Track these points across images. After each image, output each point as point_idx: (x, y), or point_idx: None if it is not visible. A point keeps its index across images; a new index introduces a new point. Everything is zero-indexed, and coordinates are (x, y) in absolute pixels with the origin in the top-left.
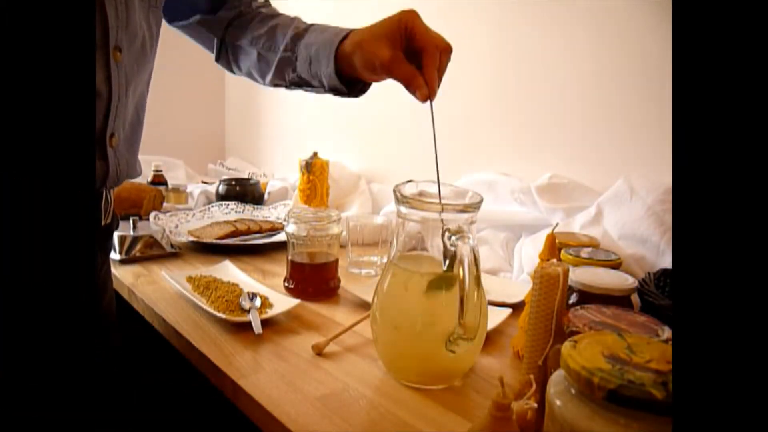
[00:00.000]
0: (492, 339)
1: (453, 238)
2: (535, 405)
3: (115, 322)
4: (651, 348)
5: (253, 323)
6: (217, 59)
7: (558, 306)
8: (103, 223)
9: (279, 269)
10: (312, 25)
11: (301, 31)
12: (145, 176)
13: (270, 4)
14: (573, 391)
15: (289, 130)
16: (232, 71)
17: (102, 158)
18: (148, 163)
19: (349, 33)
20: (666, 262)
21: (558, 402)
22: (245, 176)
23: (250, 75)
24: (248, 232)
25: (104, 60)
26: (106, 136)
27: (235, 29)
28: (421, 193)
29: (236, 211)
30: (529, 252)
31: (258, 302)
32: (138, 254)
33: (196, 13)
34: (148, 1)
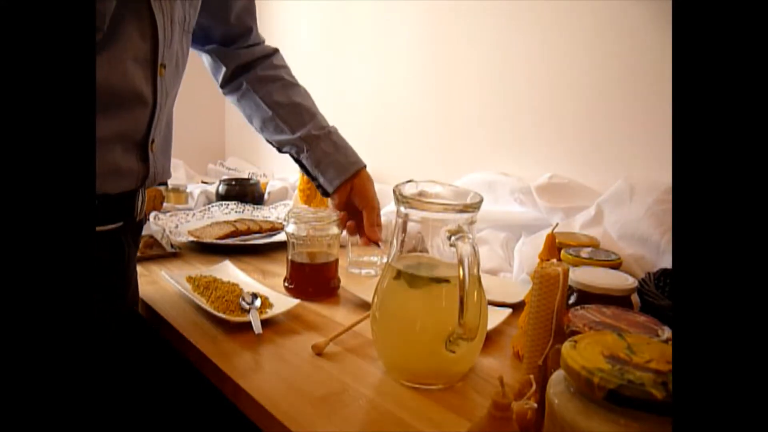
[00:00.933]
0: (492, 339)
1: (453, 238)
2: (535, 405)
3: (136, 314)
4: (651, 348)
5: (253, 323)
6: (222, 87)
7: (558, 306)
8: (138, 219)
9: (279, 269)
10: (329, 131)
11: (322, 133)
12: None
13: (282, 59)
14: (573, 391)
15: None
16: (227, 95)
17: (143, 161)
18: None
19: (359, 170)
20: (666, 262)
21: (558, 402)
22: (245, 176)
23: (249, 119)
24: (248, 232)
25: (152, 74)
26: (148, 142)
27: (258, 81)
28: (421, 193)
29: (236, 211)
30: (529, 252)
31: (258, 302)
32: (138, 254)
33: (212, 43)
34: (183, 25)
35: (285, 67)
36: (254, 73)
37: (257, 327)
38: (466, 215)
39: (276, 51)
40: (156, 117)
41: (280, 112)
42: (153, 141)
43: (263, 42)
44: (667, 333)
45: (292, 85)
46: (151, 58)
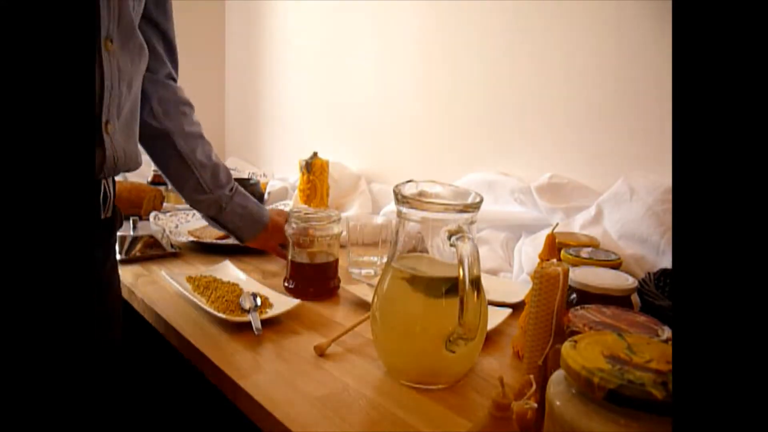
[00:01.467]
0: (492, 339)
1: (453, 238)
2: (535, 405)
3: (119, 318)
4: (651, 348)
5: (252, 323)
6: (144, 122)
7: (558, 306)
8: (102, 216)
9: (279, 269)
10: (236, 188)
11: (232, 193)
12: (145, 176)
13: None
14: (573, 391)
15: (289, 130)
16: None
17: (98, 145)
18: (148, 164)
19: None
20: (666, 262)
21: (558, 402)
22: (245, 176)
23: (164, 168)
24: None
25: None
26: (101, 123)
27: (185, 136)
28: (421, 193)
29: None
30: (529, 252)
31: (258, 302)
32: (138, 254)
33: None
34: (132, 7)
35: (199, 123)
36: (181, 125)
37: (257, 327)
38: (466, 215)
39: (190, 103)
40: (107, 96)
41: (202, 172)
42: (107, 122)
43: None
44: (667, 333)
45: (208, 143)
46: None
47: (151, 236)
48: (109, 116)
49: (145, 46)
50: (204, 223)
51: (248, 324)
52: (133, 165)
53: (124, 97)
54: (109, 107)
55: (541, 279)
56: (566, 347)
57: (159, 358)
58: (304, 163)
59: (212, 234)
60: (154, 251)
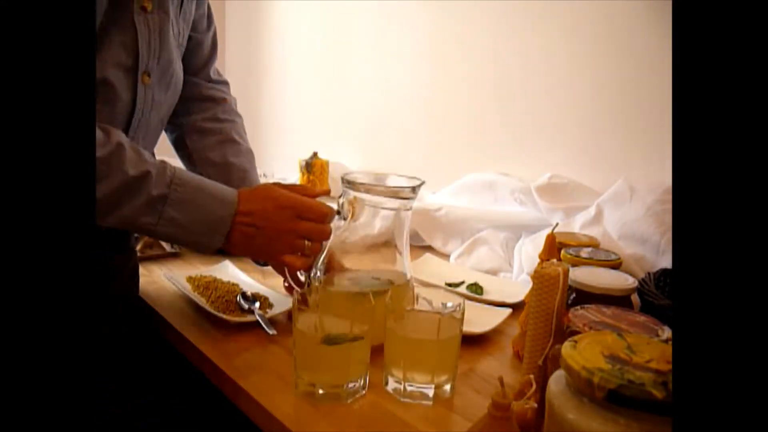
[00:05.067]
0: (492, 339)
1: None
2: (535, 405)
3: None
4: (651, 348)
5: (263, 324)
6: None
7: (558, 306)
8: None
9: None
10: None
11: None
12: None
13: (231, 112)
14: (573, 391)
15: (289, 130)
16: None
17: None
18: None
19: None
20: (666, 262)
21: (558, 402)
22: None
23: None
24: None
25: (133, 81)
26: None
27: (196, 131)
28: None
29: None
30: (529, 252)
31: (257, 304)
32: (138, 254)
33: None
34: (178, 39)
35: (231, 121)
36: (195, 121)
37: (266, 325)
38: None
39: (224, 100)
40: (136, 120)
41: (210, 171)
42: (133, 140)
43: (222, 82)
44: (667, 333)
45: (232, 142)
46: (132, 65)
47: None
48: (135, 137)
49: (181, 78)
50: None
51: (248, 324)
52: None
53: (153, 123)
54: (137, 130)
55: (541, 279)
56: (566, 347)
57: (159, 358)
58: (304, 163)
59: None
60: (154, 251)
